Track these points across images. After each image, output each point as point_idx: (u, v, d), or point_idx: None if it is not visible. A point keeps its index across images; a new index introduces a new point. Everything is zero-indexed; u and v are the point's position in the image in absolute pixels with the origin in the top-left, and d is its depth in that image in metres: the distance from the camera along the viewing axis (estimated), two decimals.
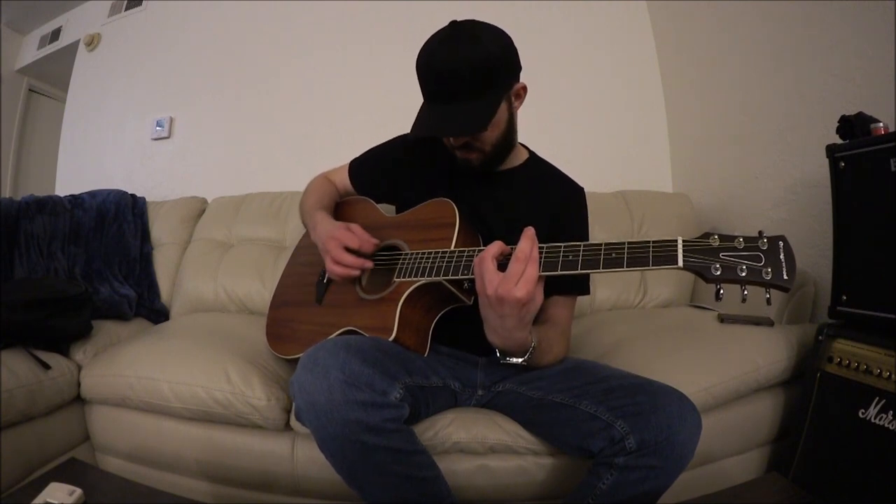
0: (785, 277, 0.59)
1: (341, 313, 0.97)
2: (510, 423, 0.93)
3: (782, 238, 0.61)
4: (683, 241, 0.64)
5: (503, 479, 0.94)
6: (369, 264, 0.93)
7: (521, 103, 0.94)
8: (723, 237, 0.63)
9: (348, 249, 0.92)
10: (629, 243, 0.67)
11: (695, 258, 0.63)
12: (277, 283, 1.24)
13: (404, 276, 0.87)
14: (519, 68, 0.90)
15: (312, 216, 1.04)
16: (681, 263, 0.63)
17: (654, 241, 0.65)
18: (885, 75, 1.10)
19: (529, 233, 0.71)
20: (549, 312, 0.95)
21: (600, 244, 0.69)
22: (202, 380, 1.02)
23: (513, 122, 0.94)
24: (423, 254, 0.87)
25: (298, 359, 0.94)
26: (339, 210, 1.16)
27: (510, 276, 0.69)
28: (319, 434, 0.71)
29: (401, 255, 0.92)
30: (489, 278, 0.70)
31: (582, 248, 0.70)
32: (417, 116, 0.88)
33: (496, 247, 0.74)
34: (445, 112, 0.84)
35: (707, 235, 0.64)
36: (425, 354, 0.91)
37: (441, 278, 0.83)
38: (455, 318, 0.94)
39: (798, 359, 1.07)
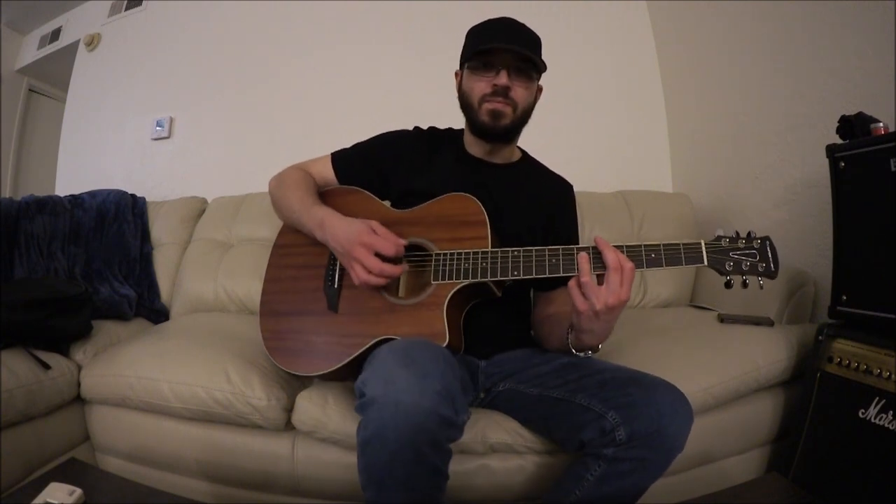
0: (772, 269, 0.78)
1: (373, 321, 0.90)
2: (510, 422, 0.93)
3: (768, 238, 0.79)
4: (705, 243, 0.79)
5: (503, 478, 0.94)
6: (403, 268, 0.88)
7: (536, 100, 1.01)
8: (729, 239, 0.79)
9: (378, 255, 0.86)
10: (664, 245, 0.80)
11: (714, 257, 0.78)
12: (262, 290, 1.07)
13: (443, 279, 0.87)
14: None
15: (312, 214, 0.96)
16: (706, 262, 0.78)
17: (683, 244, 0.79)
18: (885, 75, 1.10)
19: (603, 242, 0.78)
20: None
21: (640, 245, 0.80)
22: (202, 380, 1.02)
23: (532, 107, 1.00)
24: (461, 254, 0.87)
25: (322, 375, 0.94)
26: (330, 201, 1.03)
27: (613, 285, 0.75)
28: (382, 431, 0.65)
29: (431, 255, 0.90)
30: (597, 294, 0.75)
31: (625, 248, 0.79)
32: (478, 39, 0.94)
33: (587, 265, 0.78)
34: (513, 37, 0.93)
35: (718, 238, 0.79)
36: (461, 351, 0.91)
37: (489, 279, 0.86)
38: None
39: (798, 359, 1.07)
